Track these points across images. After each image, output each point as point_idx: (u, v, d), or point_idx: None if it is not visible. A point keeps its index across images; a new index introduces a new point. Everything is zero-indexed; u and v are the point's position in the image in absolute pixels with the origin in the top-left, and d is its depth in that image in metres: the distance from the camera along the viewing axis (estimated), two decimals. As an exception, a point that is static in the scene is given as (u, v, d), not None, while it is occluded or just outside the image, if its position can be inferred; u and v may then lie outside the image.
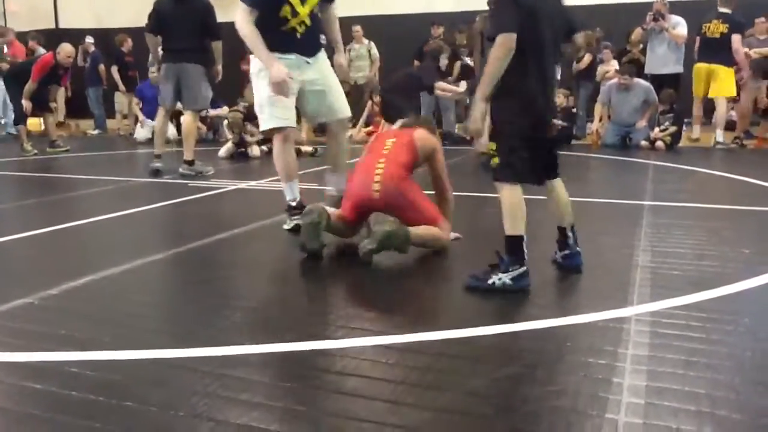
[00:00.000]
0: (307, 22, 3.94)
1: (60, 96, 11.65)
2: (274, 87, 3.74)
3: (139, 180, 6.32)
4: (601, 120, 9.10)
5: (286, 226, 4.01)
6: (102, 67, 11.66)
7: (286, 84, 3.74)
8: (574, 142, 9.35)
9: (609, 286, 2.86)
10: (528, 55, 2.79)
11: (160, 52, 6.76)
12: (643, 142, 8.41)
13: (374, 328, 2.37)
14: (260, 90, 3.93)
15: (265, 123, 3.99)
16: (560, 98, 9.28)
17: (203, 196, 5.35)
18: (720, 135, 8.58)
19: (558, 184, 3.12)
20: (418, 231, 3.30)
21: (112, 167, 7.98)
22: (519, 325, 2.37)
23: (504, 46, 2.72)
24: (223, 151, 8.13)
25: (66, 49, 8.70)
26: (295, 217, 3.92)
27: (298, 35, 3.93)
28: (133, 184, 6.15)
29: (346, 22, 11.50)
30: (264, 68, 3.81)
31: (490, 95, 2.82)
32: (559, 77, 9.96)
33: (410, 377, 1.97)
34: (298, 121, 4.29)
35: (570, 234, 3.09)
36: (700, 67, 8.67)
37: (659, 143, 8.29)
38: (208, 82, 6.53)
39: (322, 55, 4.09)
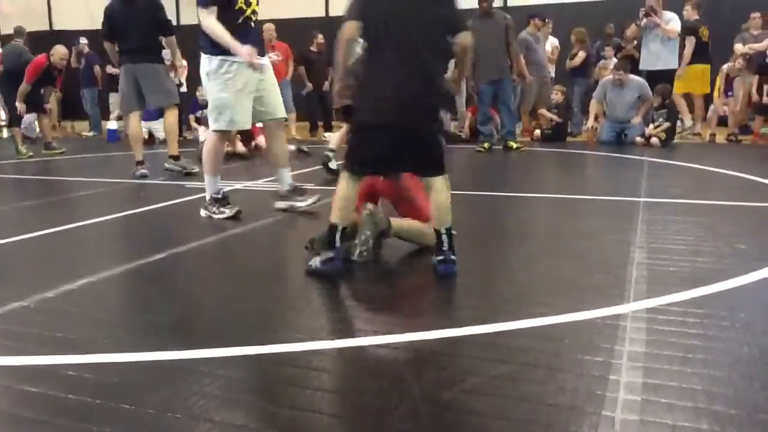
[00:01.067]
0: (257, 10, 4.30)
1: (54, 98, 11.61)
2: (252, 57, 4.12)
3: (135, 182, 6.31)
4: (597, 117, 9.12)
5: (222, 216, 4.29)
6: (97, 68, 11.64)
7: (254, 58, 4.14)
8: (569, 139, 9.37)
9: (605, 283, 2.87)
10: (375, 46, 2.91)
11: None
12: (638, 139, 8.43)
13: (371, 328, 2.37)
14: (217, 92, 4.20)
15: (221, 125, 4.28)
16: (556, 95, 9.30)
17: (200, 198, 5.34)
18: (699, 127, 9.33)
19: (435, 183, 2.96)
20: (402, 224, 3.33)
21: (108, 169, 7.96)
22: (516, 323, 2.37)
23: (343, 33, 2.91)
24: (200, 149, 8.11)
25: (60, 50, 8.69)
26: (228, 206, 4.34)
27: (252, 24, 4.29)
28: (129, 186, 6.14)
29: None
30: (214, 70, 4.16)
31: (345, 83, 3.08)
32: (552, 74, 10.08)
33: (407, 377, 1.97)
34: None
35: (444, 239, 2.96)
36: (703, 68, 9.08)
37: (654, 139, 8.31)
38: (169, 77, 6.66)
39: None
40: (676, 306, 2.52)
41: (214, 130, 4.31)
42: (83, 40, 12.01)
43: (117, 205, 4.96)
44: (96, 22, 14.02)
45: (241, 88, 4.15)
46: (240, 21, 4.17)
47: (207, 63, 4.18)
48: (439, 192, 2.96)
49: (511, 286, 2.96)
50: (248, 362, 2.09)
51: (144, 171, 6.48)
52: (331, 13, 12.99)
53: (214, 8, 4.09)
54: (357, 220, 3.22)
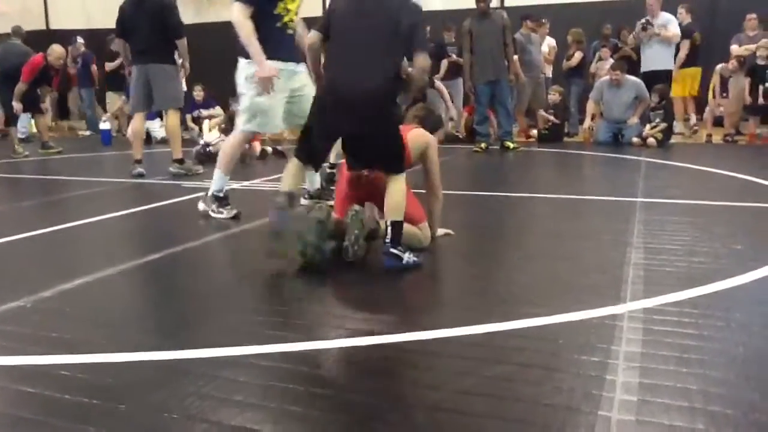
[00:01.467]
0: (295, 19, 4.16)
1: (50, 98, 11.60)
2: (262, 82, 3.95)
3: (132, 181, 6.30)
4: (593, 117, 9.13)
5: (220, 216, 4.31)
6: (95, 68, 11.62)
7: (271, 82, 3.97)
8: (566, 139, 9.38)
9: (602, 283, 2.87)
10: (331, 42, 3.22)
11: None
12: (635, 139, 8.44)
13: (367, 328, 2.37)
14: (253, 96, 4.11)
15: (252, 127, 4.26)
16: (554, 95, 9.31)
17: (197, 197, 5.33)
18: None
19: (390, 181, 3.15)
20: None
21: (105, 168, 7.96)
22: (512, 323, 2.37)
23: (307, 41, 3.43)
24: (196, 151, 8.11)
25: (57, 50, 8.67)
26: (228, 206, 4.36)
27: (289, 31, 4.14)
28: (126, 186, 6.13)
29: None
30: (251, 75, 4.02)
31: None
32: (549, 74, 10.08)
33: (404, 376, 1.97)
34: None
35: (388, 231, 3.10)
36: (695, 71, 9.39)
37: (651, 140, 8.32)
38: (179, 80, 6.65)
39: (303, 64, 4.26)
40: (673, 306, 2.52)
41: (243, 131, 4.31)
42: (80, 40, 11.98)
43: (114, 205, 4.95)
44: (92, 22, 14.08)
45: (277, 93, 4.09)
46: (277, 26, 4.06)
47: (246, 67, 4.08)
48: (393, 189, 3.13)
49: (507, 286, 2.96)
50: (244, 363, 2.09)
51: (141, 170, 6.48)
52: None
53: (251, 8, 3.91)
54: (341, 223, 3.24)
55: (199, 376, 1.98)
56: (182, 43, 6.45)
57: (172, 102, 6.53)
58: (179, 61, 6.60)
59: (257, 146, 8.19)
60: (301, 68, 4.24)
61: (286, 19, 4.09)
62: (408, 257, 3.09)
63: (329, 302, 2.84)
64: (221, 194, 4.38)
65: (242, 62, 4.11)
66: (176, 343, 2.25)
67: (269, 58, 3.95)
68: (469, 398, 1.83)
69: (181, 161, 6.61)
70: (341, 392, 1.88)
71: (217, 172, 4.38)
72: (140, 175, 6.42)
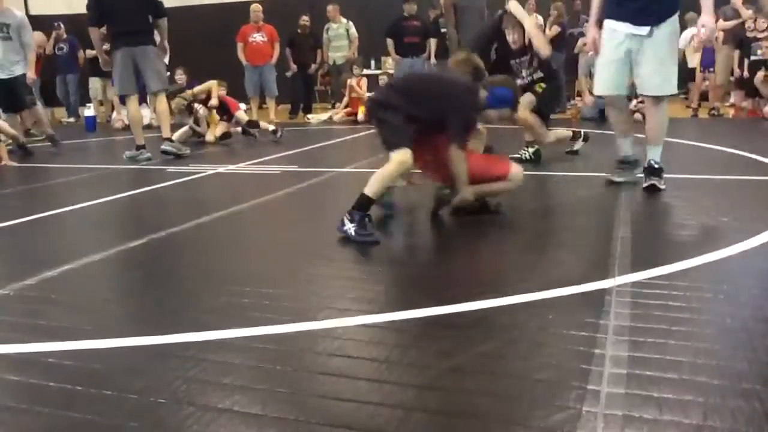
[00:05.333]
0: None
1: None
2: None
3: (116, 167, 6.24)
4: (581, 94, 9.11)
5: (616, 178, 4.37)
6: (81, 53, 11.47)
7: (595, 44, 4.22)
8: (553, 116, 9.34)
9: (590, 258, 2.87)
10: None
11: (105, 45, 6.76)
12: (622, 115, 8.43)
13: (355, 308, 2.35)
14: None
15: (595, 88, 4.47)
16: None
17: (182, 182, 5.30)
18: None
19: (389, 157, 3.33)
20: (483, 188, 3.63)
21: (89, 155, 7.88)
22: (501, 300, 2.37)
23: None
24: (177, 135, 8.05)
25: (37, 38, 8.54)
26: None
27: None
28: (110, 172, 6.07)
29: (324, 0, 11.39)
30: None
31: None
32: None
33: (393, 355, 1.96)
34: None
35: (356, 201, 3.26)
36: None
37: (637, 115, 8.30)
38: (161, 60, 6.75)
39: (667, 27, 4.01)
40: (661, 279, 2.52)
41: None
42: (61, 26, 11.81)
43: (97, 191, 4.90)
44: (73, 7, 13.84)
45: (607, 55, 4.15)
46: None
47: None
48: (386, 165, 3.31)
49: (495, 263, 2.95)
50: (231, 345, 2.07)
51: (149, 155, 6.52)
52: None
53: None
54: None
55: (185, 359, 1.96)
56: (164, 22, 6.50)
57: (163, 84, 6.67)
58: (158, 42, 6.63)
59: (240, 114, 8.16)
60: (646, 32, 4.06)
61: None
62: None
63: (317, 283, 2.81)
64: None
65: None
66: (162, 328, 2.23)
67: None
68: (459, 375, 1.83)
69: (170, 140, 6.71)
70: (330, 372, 1.87)
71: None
72: (148, 160, 6.45)
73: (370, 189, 3.25)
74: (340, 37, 10.96)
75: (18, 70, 7.31)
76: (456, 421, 1.60)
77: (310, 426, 1.59)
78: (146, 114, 9.22)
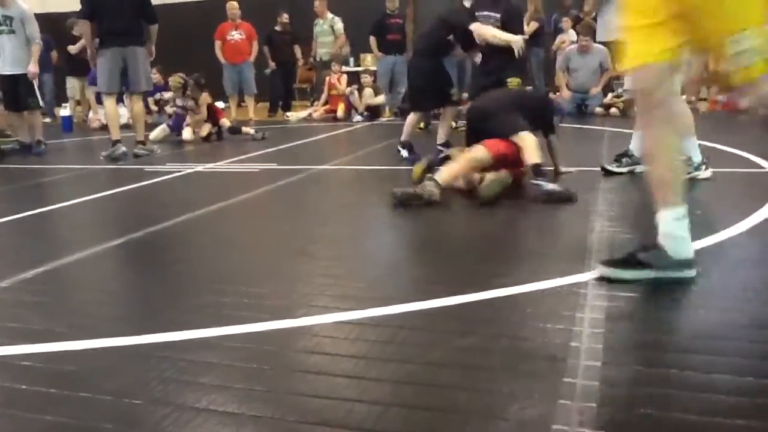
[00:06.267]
0: None
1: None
2: None
3: (94, 167, 6.18)
4: (559, 89, 9.16)
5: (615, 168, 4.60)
6: (54, 53, 11.33)
7: None
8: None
9: (567, 251, 2.89)
10: None
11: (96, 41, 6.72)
12: (598, 109, 8.52)
13: (333, 305, 2.35)
14: None
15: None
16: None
17: (161, 180, 5.26)
18: None
19: None
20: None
21: (66, 155, 7.80)
22: (478, 294, 2.38)
23: None
24: (154, 134, 8.01)
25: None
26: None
27: None
28: (88, 172, 6.01)
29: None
30: None
31: None
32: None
33: (371, 351, 1.96)
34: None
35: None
36: None
37: (613, 109, 8.39)
38: (148, 62, 6.79)
39: None
40: (636, 272, 2.54)
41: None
42: (34, 24, 11.63)
43: (76, 191, 4.85)
44: (47, 6, 13.69)
45: None
46: None
47: None
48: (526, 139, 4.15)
49: (472, 257, 2.96)
50: (208, 345, 2.06)
51: (124, 149, 6.53)
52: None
53: None
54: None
55: (162, 359, 1.95)
56: (155, 28, 6.61)
57: (147, 85, 6.77)
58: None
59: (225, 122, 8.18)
60: None
61: None
62: None
63: (297, 280, 2.81)
64: None
65: None
66: (138, 328, 2.21)
67: None
68: (438, 370, 1.83)
69: (144, 143, 6.80)
70: (308, 370, 1.87)
71: None
72: (125, 155, 6.46)
73: (532, 158, 3.97)
74: (326, 32, 10.94)
75: (25, 68, 7.20)
76: (434, 415, 1.61)
77: (287, 424, 1.59)
78: (123, 113, 9.14)
